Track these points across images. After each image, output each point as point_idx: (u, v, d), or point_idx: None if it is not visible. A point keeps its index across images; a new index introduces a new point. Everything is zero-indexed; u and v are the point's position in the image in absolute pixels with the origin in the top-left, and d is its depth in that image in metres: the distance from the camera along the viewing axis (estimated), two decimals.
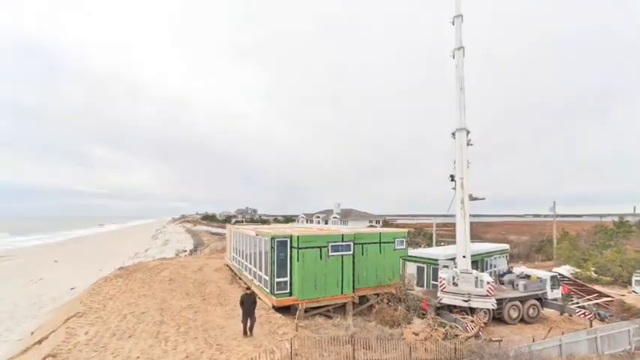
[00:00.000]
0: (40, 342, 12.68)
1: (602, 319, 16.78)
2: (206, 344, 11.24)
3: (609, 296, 21.14)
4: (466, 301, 15.76)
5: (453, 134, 18.96)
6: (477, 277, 16.25)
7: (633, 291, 21.85)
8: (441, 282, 16.47)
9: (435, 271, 21.72)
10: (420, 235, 47.10)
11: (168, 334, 12.13)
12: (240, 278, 19.77)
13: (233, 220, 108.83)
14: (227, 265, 23.84)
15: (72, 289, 25.54)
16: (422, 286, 23.86)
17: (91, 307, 15.09)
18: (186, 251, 48.67)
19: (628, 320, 15.05)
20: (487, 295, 15.73)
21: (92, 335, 12.01)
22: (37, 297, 24.53)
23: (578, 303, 19.91)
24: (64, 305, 19.22)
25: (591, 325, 14.93)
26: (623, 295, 21.50)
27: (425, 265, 24.42)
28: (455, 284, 16.27)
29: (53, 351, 10.70)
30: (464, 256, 16.91)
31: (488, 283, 15.84)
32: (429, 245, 40.73)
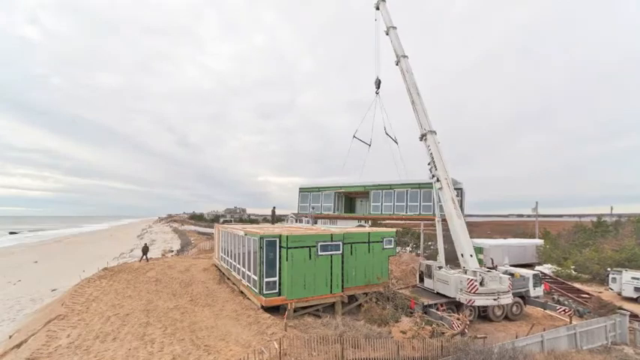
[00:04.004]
0: (18, 346, 12.24)
1: (580, 316, 17.40)
2: (193, 345, 11.11)
3: (588, 293, 21.94)
4: (496, 299, 15.85)
5: (423, 137, 19.07)
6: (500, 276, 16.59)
7: (610, 288, 22.70)
8: (472, 284, 15.91)
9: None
10: (407, 234, 47.59)
11: (154, 336, 11.91)
12: (229, 278, 19.59)
13: (221, 220, 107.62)
14: (215, 265, 23.56)
15: (53, 290, 24.77)
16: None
17: (74, 309, 14.66)
18: (173, 251, 47.77)
19: (605, 316, 15.65)
20: (508, 291, 16.21)
21: (74, 338, 11.69)
22: (16, 299, 23.68)
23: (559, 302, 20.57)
24: (44, 307, 18.62)
25: (571, 322, 15.47)
26: (600, 293, 22.35)
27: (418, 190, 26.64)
28: (482, 284, 16.09)
29: (33, 355, 10.37)
30: (471, 255, 17.05)
31: (509, 278, 16.47)
32: (417, 245, 41.28)
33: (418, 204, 25.50)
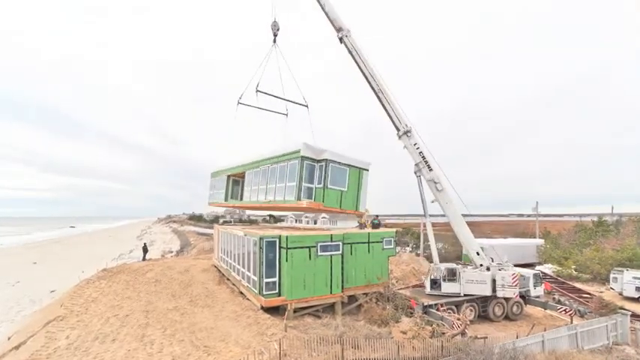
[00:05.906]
0: (17, 347, 12.18)
1: (581, 316, 17.37)
2: (193, 346, 11.06)
3: (589, 293, 21.91)
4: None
5: (405, 133, 17.13)
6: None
7: (611, 288, 22.66)
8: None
9: None
10: (408, 234, 47.65)
11: (153, 337, 11.87)
12: (228, 279, 19.54)
13: (221, 221, 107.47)
14: (215, 266, 23.50)
15: (52, 291, 24.70)
16: None
17: (73, 310, 14.62)
18: (172, 252, 47.81)
19: (606, 316, 15.62)
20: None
21: (73, 339, 11.65)
22: (15, 300, 23.63)
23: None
24: (43, 309, 18.54)
25: (572, 322, 15.42)
26: (601, 292, 22.31)
27: None
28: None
29: (32, 356, 10.34)
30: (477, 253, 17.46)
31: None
32: (417, 245, 41.29)
33: (295, 185, 15.49)
